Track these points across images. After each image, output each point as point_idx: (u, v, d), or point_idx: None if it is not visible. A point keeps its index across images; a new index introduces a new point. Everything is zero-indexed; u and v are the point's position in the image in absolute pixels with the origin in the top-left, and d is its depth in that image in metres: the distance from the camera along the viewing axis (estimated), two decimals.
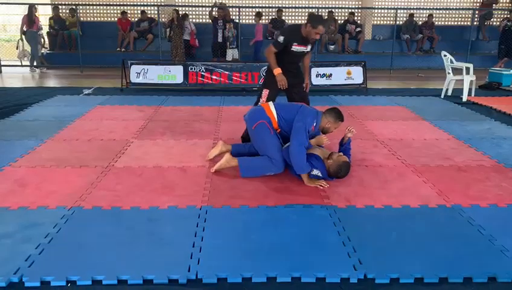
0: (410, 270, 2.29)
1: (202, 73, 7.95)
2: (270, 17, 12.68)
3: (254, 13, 11.09)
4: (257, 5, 13.13)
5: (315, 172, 3.45)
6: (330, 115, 3.59)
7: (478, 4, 13.65)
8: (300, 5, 13.33)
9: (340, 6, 13.30)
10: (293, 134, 3.42)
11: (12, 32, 13.41)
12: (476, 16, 13.18)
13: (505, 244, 2.57)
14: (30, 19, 10.32)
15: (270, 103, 3.78)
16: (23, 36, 10.40)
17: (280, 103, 3.81)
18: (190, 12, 13.25)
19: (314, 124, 3.51)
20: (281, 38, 4.07)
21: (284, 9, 12.51)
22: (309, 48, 4.22)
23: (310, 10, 12.99)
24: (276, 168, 3.50)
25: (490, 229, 2.76)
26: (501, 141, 4.78)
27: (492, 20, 13.36)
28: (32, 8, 10.38)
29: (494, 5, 13.13)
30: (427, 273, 2.28)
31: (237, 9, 11.07)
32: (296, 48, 4.11)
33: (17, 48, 10.63)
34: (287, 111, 3.64)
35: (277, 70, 4.14)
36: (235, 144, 4.00)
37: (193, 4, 13.10)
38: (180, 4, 12.76)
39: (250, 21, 13.38)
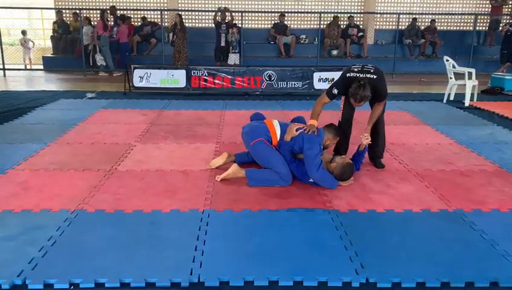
0: (412, 275, 2.29)
1: (205, 77, 7.97)
2: (273, 22, 12.74)
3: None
4: (260, 10, 13.17)
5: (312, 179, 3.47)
6: (330, 132, 3.67)
7: (481, 9, 13.67)
8: (302, 10, 13.36)
9: (343, 11, 13.33)
10: (308, 162, 3.41)
11: (16, 36, 13.48)
12: (487, 20, 13.19)
13: (507, 249, 2.57)
14: (104, 24, 10.40)
15: (275, 120, 3.78)
16: (98, 41, 10.48)
17: (286, 127, 3.75)
18: (192, 17, 13.33)
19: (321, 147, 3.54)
20: (335, 91, 3.79)
21: (286, 14, 12.55)
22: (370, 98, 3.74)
23: (313, 15, 13.04)
24: (284, 182, 3.50)
25: (492, 234, 2.76)
26: (503, 145, 4.78)
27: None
28: (104, 12, 10.47)
29: (504, 7, 13.12)
30: (429, 277, 2.28)
31: (240, 13, 11.11)
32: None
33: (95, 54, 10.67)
34: (292, 138, 3.61)
35: (312, 121, 3.72)
36: (238, 153, 4.00)
37: (196, 9, 13.16)
38: (183, 9, 12.83)
39: (253, 26, 13.44)
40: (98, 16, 11.00)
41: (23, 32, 12.41)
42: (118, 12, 11.44)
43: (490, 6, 13.32)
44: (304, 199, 3.27)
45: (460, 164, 4.12)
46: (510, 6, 13.65)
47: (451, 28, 13.98)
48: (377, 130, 4.01)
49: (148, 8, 13.10)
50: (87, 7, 12.84)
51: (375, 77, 3.66)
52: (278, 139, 3.65)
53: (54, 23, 12.24)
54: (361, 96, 3.53)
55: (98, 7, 12.73)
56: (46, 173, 3.74)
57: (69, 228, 2.75)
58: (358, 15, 13.22)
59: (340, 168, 3.44)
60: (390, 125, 5.62)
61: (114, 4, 12.01)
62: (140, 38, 12.05)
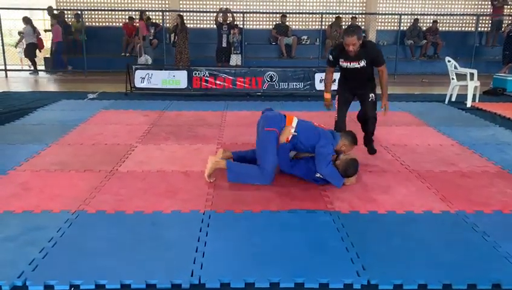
0: (414, 277, 2.28)
1: (206, 78, 7.97)
2: (274, 23, 12.73)
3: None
4: (261, 11, 13.18)
5: (319, 175, 3.46)
6: (347, 138, 3.60)
7: (483, 10, 13.64)
8: (304, 11, 13.36)
9: (345, 11, 13.32)
10: (319, 158, 3.43)
11: (17, 37, 13.52)
12: (490, 22, 13.18)
13: (509, 251, 2.55)
14: (147, 25, 10.58)
15: (295, 118, 3.67)
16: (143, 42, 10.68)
17: (305, 124, 3.66)
18: (194, 18, 13.34)
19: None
20: (330, 57, 4.22)
21: (288, 15, 12.55)
22: (362, 63, 4.02)
23: (314, 16, 13.04)
24: (264, 180, 3.48)
25: (494, 235, 2.74)
26: (505, 146, 4.76)
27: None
28: (143, 14, 10.72)
29: (506, 7, 13.09)
30: (431, 279, 2.26)
31: (241, 14, 11.11)
32: (344, 64, 4.10)
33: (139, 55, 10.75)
34: (307, 135, 3.56)
35: (326, 94, 4.48)
36: (236, 151, 3.95)
37: (197, 10, 13.16)
38: (184, 10, 12.83)
39: (255, 26, 13.44)
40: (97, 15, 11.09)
41: (20, 33, 12.60)
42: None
43: (492, 7, 13.29)
44: (305, 200, 3.26)
45: (462, 165, 4.11)
46: (511, 6, 13.62)
47: (453, 28, 13.96)
48: (365, 112, 4.24)
49: (150, 8, 13.11)
50: (89, 8, 12.86)
51: (366, 39, 3.90)
52: (287, 137, 3.57)
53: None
54: (350, 29, 3.91)
55: (98, 8, 12.75)
56: (47, 174, 3.73)
57: (70, 229, 2.75)
58: (360, 16, 13.21)
59: (345, 164, 3.47)
60: (392, 126, 5.62)
61: (110, 4, 12.07)
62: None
